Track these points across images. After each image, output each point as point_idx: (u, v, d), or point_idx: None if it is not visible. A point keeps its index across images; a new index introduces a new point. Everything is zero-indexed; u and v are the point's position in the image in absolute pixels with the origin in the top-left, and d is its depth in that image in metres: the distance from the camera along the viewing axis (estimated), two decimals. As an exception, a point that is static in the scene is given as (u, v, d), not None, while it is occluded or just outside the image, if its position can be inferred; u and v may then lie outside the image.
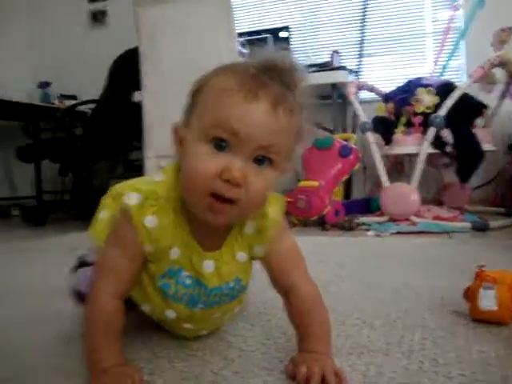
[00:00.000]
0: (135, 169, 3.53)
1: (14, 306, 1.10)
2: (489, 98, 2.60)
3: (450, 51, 2.97)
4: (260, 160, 0.59)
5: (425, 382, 0.63)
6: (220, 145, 0.58)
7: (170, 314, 0.72)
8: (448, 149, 2.45)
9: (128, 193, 0.66)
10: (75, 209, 3.74)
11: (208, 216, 0.61)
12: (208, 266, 0.70)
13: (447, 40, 2.98)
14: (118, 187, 0.76)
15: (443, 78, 2.88)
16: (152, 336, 0.83)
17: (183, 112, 0.66)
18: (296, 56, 0.59)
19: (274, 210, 0.71)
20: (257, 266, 0.77)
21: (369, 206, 2.75)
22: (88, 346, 0.65)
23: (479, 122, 2.56)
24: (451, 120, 2.40)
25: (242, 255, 0.72)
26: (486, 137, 2.50)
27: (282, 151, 0.60)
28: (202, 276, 0.70)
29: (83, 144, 3.16)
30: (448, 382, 0.63)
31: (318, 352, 0.66)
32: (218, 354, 0.74)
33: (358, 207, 2.76)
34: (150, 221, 0.64)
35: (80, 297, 0.80)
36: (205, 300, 0.72)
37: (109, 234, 0.69)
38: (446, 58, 2.97)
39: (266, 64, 0.59)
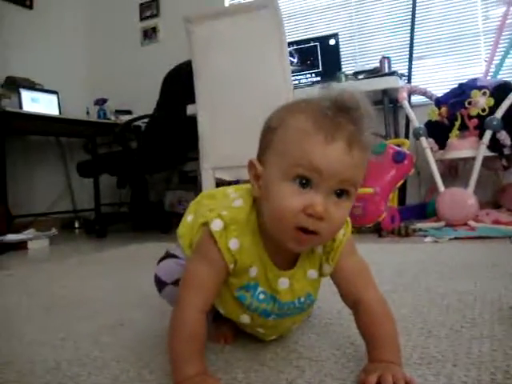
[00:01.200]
0: (190, 180, 3.62)
1: (86, 318, 1.16)
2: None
3: (504, 49, 2.90)
4: (338, 193, 0.64)
5: (498, 394, 0.63)
6: (303, 182, 0.63)
7: (245, 319, 0.79)
8: (506, 151, 2.40)
9: (212, 219, 0.71)
10: (132, 220, 3.88)
11: (293, 245, 0.67)
12: (283, 283, 0.75)
13: (501, 38, 2.91)
14: (205, 197, 0.88)
15: (498, 77, 2.82)
16: (224, 348, 0.86)
17: (258, 147, 0.71)
18: (360, 92, 0.62)
19: (342, 231, 0.75)
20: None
21: (424, 211, 2.71)
22: (173, 356, 0.70)
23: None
24: (509, 121, 2.34)
25: (312, 273, 0.78)
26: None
27: (358, 183, 0.66)
28: (276, 292, 0.75)
29: (139, 157, 3.28)
30: (522, 394, 0.63)
31: (388, 361, 0.69)
32: (289, 364, 0.77)
33: (414, 213, 2.73)
34: (233, 244, 0.71)
35: (159, 283, 0.89)
36: (277, 313, 0.77)
37: (195, 254, 0.76)
38: (501, 57, 2.90)
39: (337, 104, 0.63)
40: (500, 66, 2.89)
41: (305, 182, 0.63)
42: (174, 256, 0.89)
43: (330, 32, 3.39)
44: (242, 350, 0.85)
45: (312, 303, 0.81)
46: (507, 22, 2.93)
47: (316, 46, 3.25)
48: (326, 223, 0.63)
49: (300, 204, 0.63)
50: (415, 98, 3.10)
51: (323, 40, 3.27)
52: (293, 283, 0.76)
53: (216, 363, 0.79)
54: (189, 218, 0.87)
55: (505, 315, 0.96)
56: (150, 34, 4.30)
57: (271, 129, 0.68)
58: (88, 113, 4.10)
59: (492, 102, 2.41)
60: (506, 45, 2.91)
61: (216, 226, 0.71)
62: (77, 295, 1.43)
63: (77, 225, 4.08)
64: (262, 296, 0.76)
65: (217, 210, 0.73)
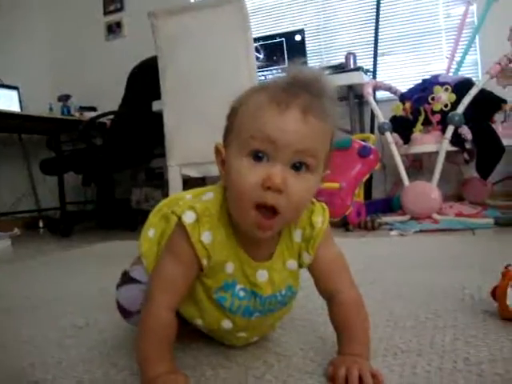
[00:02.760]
0: (157, 177, 3.58)
1: (50, 319, 1.13)
2: (508, 93, 2.59)
3: (464, 47, 2.97)
4: (297, 166, 0.62)
5: (459, 381, 0.65)
6: (258, 156, 0.61)
7: (227, 324, 0.75)
8: (467, 145, 2.46)
9: (184, 211, 0.68)
10: (98, 218, 3.81)
11: (256, 232, 0.65)
12: (262, 275, 0.73)
13: (461, 36, 2.98)
14: (165, 205, 0.82)
15: (459, 74, 2.89)
16: (191, 345, 0.85)
17: (223, 134, 0.70)
18: (316, 65, 0.61)
19: (320, 219, 0.74)
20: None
21: (390, 205, 2.76)
22: (142, 355, 0.68)
23: (498, 116, 2.57)
24: (470, 116, 2.41)
25: (292, 263, 0.75)
26: (506, 131, 2.49)
27: (317, 155, 0.63)
28: (256, 286, 0.73)
29: (104, 154, 3.23)
30: (482, 381, 0.65)
31: (356, 354, 0.69)
32: (257, 360, 0.77)
33: (380, 207, 2.77)
34: (206, 236, 0.68)
35: (123, 311, 0.84)
36: (260, 309, 0.75)
37: (166, 250, 0.72)
38: (461, 54, 2.97)
39: (293, 77, 0.62)
40: (461, 62, 2.96)
41: (261, 156, 0.61)
42: (134, 280, 0.82)
43: (296, 28, 3.40)
44: (210, 346, 0.84)
45: (294, 295, 0.79)
46: (467, 20, 3.00)
47: (282, 41, 3.25)
48: (285, 197, 0.61)
49: (256, 177, 0.61)
50: (380, 94, 3.16)
51: (289, 36, 3.27)
52: (272, 275, 0.73)
53: (184, 360, 0.79)
54: (150, 232, 0.81)
55: (467, 305, 0.99)
56: (114, 29, 4.23)
57: (233, 110, 0.67)
58: (51, 109, 4.00)
59: (454, 97, 2.47)
60: (466, 42, 2.98)
61: (188, 217, 0.67)
62: (40, 296, 1.40)
63: (41, 224, 3.98)
64: (242, 293, 0.73)
65: (188, 203, 0.70)
